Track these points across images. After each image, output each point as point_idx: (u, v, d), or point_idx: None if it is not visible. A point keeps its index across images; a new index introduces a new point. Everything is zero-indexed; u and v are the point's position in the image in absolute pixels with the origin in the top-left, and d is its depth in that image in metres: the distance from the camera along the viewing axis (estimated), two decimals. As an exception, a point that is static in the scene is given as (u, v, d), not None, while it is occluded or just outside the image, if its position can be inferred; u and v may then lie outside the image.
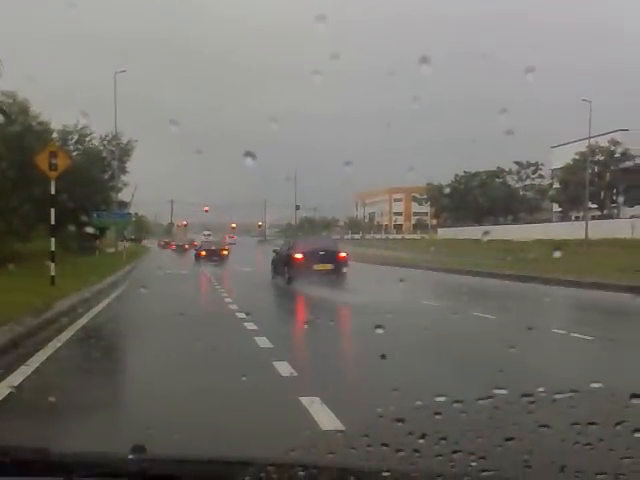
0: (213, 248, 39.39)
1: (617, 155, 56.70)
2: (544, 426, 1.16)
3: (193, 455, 1.66)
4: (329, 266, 19.60)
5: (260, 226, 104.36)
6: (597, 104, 47.40)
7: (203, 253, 38.66)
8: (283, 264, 20.82)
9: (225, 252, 39.23)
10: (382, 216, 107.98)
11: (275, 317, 13.56)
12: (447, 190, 75.23)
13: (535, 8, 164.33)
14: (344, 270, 20.11)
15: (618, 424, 1.00)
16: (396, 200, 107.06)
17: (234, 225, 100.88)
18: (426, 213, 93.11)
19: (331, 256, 20.05)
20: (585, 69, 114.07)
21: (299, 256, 19.78)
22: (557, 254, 19.42)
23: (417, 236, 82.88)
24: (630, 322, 12.24)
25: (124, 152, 43.19)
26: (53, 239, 17.18)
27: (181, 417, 5.09)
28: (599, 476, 1.09)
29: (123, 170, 43.95)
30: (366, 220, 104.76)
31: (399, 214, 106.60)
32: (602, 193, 58.36)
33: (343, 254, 20.68)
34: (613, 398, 1.01)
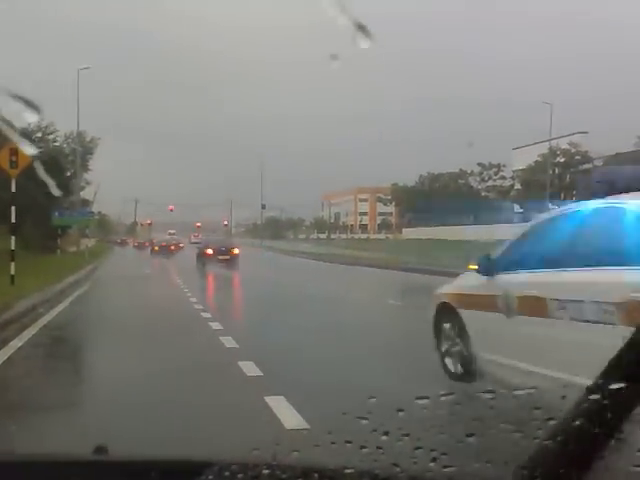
0: (222, 248, 32.91)
1: (577, 157, 57.86)
2: (505, 422, 1.19)
3: (156, 455, 1.65)
4: (227, 257, 31.67)
5: (226, 225, 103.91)
6: (558, 105, 48.24)
7: (210, 252, 32.49)
8: (201, 256, 32.98)
9: (235, 252, 32.93)
10: (348, 216, 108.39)
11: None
12: (411, 191, 75.96)
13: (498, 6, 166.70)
14: (236, 260, 31.90)
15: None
16: (361, 200, 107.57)
17: (199, 224, 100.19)
18: (391, 213, 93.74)
19: (228, 251, 32.46)
20: (548, 70, 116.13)
21: (209, 251, 32.60)
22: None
23: (382, 236, 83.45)
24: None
25: (87, 150, 42.56)
26: (13, 238, 16.87)
27: (144, 417, 5.05)
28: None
29: (86, 168, 43.31)
30: (332, 220, 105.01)
31: (364, 214, 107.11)
32: (562, 194, 59.49)
33: (236, 250, 33.15)
34: (572, 394, 1.03)
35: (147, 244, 64.17)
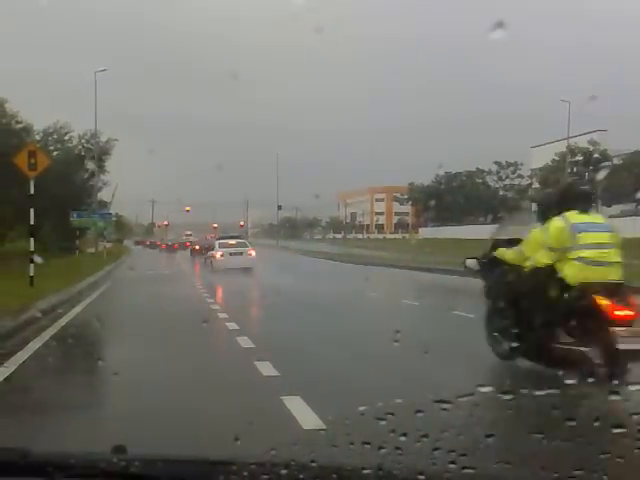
0: (239, 251, 29.01)
1: (596, 155, 57.32)
2: (524, 423, 1.18)
3: (175, 455, 1.65)
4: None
5: (242, 226, 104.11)
6: (576, 104, 47.83)
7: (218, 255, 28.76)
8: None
9: (251, 253, 29.23)
10: (364, 216, 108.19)
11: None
12: (428, 190, 75.72)
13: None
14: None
15: (596, 420, 1.01)
16: (378, 200, 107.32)
17: (216, 225, 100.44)
18: (407, 213, 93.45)
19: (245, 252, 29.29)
20: (565, 68, 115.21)
21: (198, 247, 38.61)
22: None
23: (399, 236, 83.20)
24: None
25: (103, 151, 42.67)
26: (32, 239, 17.01)
27: (162, 417, 5.07)
28: (577, 472, 1.11)
29: (102, 169, 43.50)
30: (348, 220, 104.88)
31: (381, 214, 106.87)
32: (581, 193, 59.00)
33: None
34: (592, 394, 1.03)
35: (177, 245, 63.97)
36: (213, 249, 30.07)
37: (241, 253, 28.60)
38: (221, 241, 30.47)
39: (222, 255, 28.37)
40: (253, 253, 29.14)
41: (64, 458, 1.53)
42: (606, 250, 6.32)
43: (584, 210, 6.59)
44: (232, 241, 29.98)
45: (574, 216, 6.44)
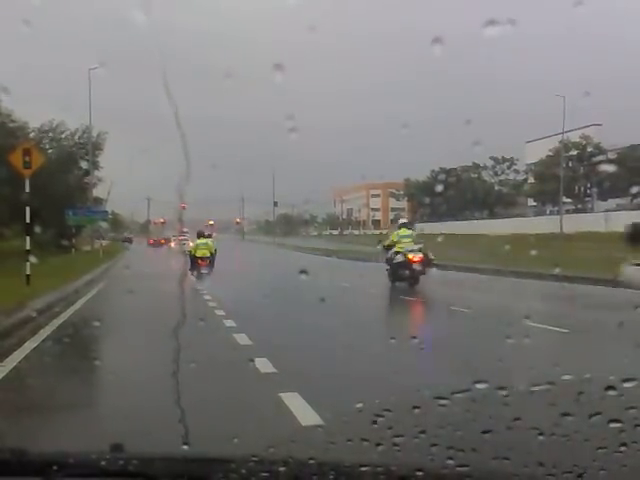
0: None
1: (590, 150, 57.39)
2: (519, 419, 1.18)
3: (172, 453, 1.65)
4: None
5: (238, 223, 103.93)
6: (572, 99, 47.84)
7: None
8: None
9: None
10: (360, 212, 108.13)
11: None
12: (424, 186, 75.82)
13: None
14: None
15: (593, 415, 1.02)
16: (374, 196, 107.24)
17: (212, 222, 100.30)
18: (404, 209, 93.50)
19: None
20: (560, 64, 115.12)
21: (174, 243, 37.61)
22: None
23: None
24: (603, 315, 12.40)
25: (96, 146, 42.19)
26: (28, 238, 16.97)
27: (159, 414, 5.07)
28: (575, 467, 1.11)
29: (96, 165, 43.13)
30: (344, 216, 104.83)
31: (377, 210, 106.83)
32: (576, 187, 59.05)
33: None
34: (588, 390, 1.02)
35: (164, 241, 66.22)
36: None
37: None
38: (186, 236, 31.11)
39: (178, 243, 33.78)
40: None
41: (61, 457, 1.53)
42: (409, 240, 17.02)
43: (407, 227, 17.83)
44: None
45: (403, 232, 17.34)
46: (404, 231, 17.24)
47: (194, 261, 20.20)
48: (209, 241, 21.48)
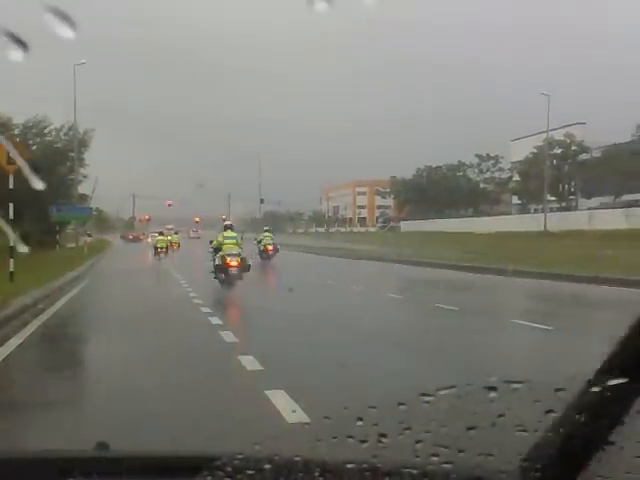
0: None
1: (574, 148, 57.76)
2: (503, 415, 1.19)
3: (158, 451, 1.65)
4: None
5: (224, 220, 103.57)
6: (556, 97, 48.15)
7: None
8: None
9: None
10: (346, 209, 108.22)
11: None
12: (409, 184, 76.03)
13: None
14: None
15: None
16: (360, 193, 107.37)
17: (198, 219, 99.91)
18: (389, 206, 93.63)
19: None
20: (544, 63, 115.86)
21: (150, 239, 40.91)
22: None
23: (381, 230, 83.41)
24: (587, 312, 12.51)
25: (81, 143, 41.93)
26: (12, 234, 16.75)
27: (145, 412, 5.05)
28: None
29: (82, 162, 42.84)
30: (330, 214, 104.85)
31: (363, 207, 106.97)
32: (560, 186, 59.43)
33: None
34: (572, 386, 1.03)
35: (142, 236, 70.29)
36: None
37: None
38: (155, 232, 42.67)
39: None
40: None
41: (45, 456, 1.52)
42: (233, 242, 16.98)
43: (232, 229, 17.68)
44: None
45: (227, 233, 17.30)
46: (229, 233, 17.28)
47: (155, 249, 33.96)
48: (168, 237, 36.47)
